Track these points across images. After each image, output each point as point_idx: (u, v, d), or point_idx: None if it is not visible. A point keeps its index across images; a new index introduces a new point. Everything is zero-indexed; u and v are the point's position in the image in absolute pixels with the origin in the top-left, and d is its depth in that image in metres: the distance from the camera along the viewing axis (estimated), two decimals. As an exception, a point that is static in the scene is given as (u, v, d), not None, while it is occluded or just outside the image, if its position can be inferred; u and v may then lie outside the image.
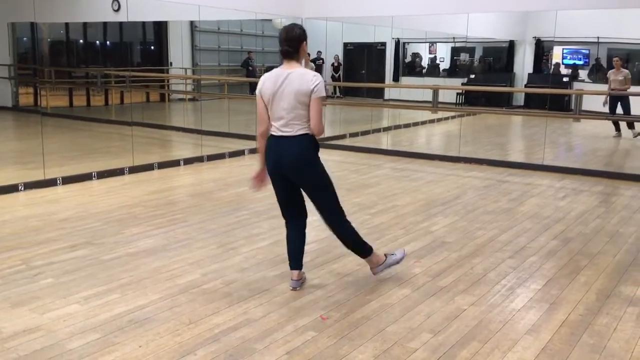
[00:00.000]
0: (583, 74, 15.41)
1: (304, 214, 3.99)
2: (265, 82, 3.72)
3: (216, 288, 3.90)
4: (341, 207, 3.96)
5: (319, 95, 3.64)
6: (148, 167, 7.95)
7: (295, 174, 3.78)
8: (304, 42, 3.74)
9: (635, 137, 11.14)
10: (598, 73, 14.68)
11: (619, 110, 11.03)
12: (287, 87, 3.64)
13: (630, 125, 11.30)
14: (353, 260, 4.48)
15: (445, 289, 3.97)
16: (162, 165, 8.16)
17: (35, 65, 14.05)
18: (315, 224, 5.46)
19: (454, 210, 6.11)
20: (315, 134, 3.71)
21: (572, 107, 9.28)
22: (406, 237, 5.14)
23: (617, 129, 11.54)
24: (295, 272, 3.92)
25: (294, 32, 3.71)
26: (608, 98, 11.05)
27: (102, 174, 7.39)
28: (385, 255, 4.11)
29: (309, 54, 14.57)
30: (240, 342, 3.17)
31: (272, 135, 3.79)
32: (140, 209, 5.94)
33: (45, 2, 9.49)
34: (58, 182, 6.91)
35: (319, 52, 14.84)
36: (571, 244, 5.03)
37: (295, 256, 3.94)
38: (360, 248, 4.02)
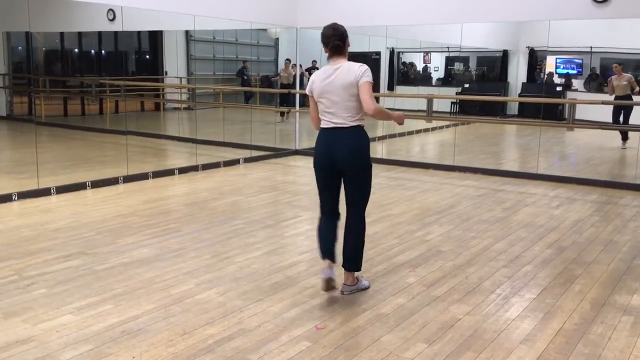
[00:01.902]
0: (576, 83, 15.51)
1: (339, 211, 4.05)
2: (315, 80, 3.88)
3: (210, 298, 3.89)
4: (365, 213, 4.06)
5: (366, 80, 3.74)
6: (142, 177, 7.94)
7: (348, 164, 3.84)
8: (348, 39, 3.90)
9: (623, 148, 11.15)
10: (592, 83, 14.78)
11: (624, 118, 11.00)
12: (337, 80, 3.78)
13: (625, 135, 11.31)
14: (348, 270, 4.48)
15: (440, 299, 3.96)
16: (157, 174, 8.15)
17: (30, 75, 14.04)
18: (309, 233, 5.46)
19: (449, 219, 6.11)
20: (370, 114, 3.79)
21: (566, 116, 9.32)
22: (401, 246, 5.14)
23: (624, 138, 11.38)
24: (327, 261, 3.92)
25: (340, 28, 3.88)
26: (614, 99, 10.98)
27: (97, 184, 7.36)
28: (357, 278, 4.09)
29: (289, 60, 14.64)
30: (235, 353, 3.15)
31: (323, 129, 3.90)
32: (134, 218, 5.92)
33: (40, 11, 9.50)
34: (52, 191, 6.89)
35: (314, 61, 14.89)
36: (565, 253, 5.04)
37: (329, 247, 3.96)
38: (359, 257, 4.02)
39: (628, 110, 10.85)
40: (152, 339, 3.29)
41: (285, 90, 12.83)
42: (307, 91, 3.95)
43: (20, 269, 4.37)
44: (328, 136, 3.87)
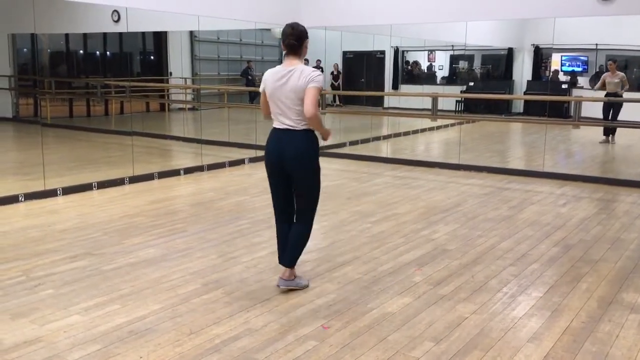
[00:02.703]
0: (582, 80, 15.45)
1: (293, 214, 4.06)
2: (268, 79, 3.85)
3: (217, 298, 3.89)
4: (314, 215, 4.07)
5: (314, 85, 3.71)
6: (148, 177, 7.96)
7: (295, 166, 3.85)
8: (307, 40, 3.88)
9: (602, 142, 11.32)
10: (597, 80, 14.71)
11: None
12: (288, 84, 3.76)
13: (612, 131, 11.46)
14: (354, 269, 4.48)
15: (447, 297, 3.96)
16: (162, 174, 8.17)
17: (35, 76, 14.09)
18: (315, 232, 5.46)
19: (455, 217, 6.10)
20: (307, 115, 3.72)
21: (572, 114, 9.29)
22: (407, 245, 5.13)
23: (606, 133, 11.64)
24: (284, 269, 4.02)
25: (300, 27, 3.86)
26: (604, 95, 11.20)
27: (103, 184, 7.39)
28: (295, 275, 4.09)
29: (307, 60, 14.65)
30: (242, 352, 3.16)
31: (274, 128, 3.90)
32: (140, 218, 5.93)
33: (45, 13, 9.53)
34: (58, 192, 6.91)
35: (318, 60, 14.88)
36: (572, 251, 5.02)
37: (286, 252, 4.02)
38: (298, 255, 4.06)
39: (617, 108, 11.00)
40: (159, 338, 3.30)
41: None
42: (260, 89, 3.94)
43: (27, 269, 4.39)
44: (279, 136, 3.87)
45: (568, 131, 13.14)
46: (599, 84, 11.56)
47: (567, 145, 12.28)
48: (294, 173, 3.88)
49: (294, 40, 3.81)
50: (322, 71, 15.82)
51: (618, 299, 3.96)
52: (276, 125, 3.89)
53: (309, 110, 3.70)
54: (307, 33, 3.89)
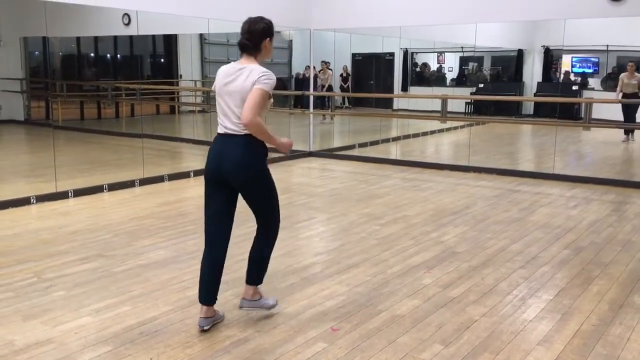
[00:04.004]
0: (593, 82, 15.35)
1: (227, 240, 3.50)
2: (218, 76, 3.38)
3: (226, 300, 3.91)
4: (277, 227, 3.60)
5: (260, 86, 3.20)
6: (158, 179, 8.00)
7: (238, 176, 3.33)
8: (268, 40, 3.37)
9: (624, 142, 11.29)
10: (609, 81, 14.62)
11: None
12: (235, 83, 3.28)
13: (630, 132, 11.43)
14: (363, 272, 4.48)
15: (456, 300, 3.95)
16: (173, 177, 8.21)
17: (47, 79, 14.20)
18: (323, 235, 5.47)
19: (464, 220, 6.09)
20: (243, 122, 3.21)
21: (582, 116, 9.24)
22: (416, 247, 5.13)
23: (626, 132, 11.61)
24: (205, 307, 3.42)
25: (258, 25, 3.36)
26: (620, 96, 11.15)
27: (113, 186, 7.43)
28: (260, 295, 3.63)
29: (327, 62, 14.64)
30: (251, 354, 3.17)
31: (217, 134, 3.41)
32: (150, 220, 5.97)
33: (56, 16, 9.61)
34: (70, 194, 6.97)
35: (328, 62, 14.89)
36: (583, 254, 4.99)
37: (207, 287, 3.44)
38: (262, 272, 3.62)
39: (633, 109, 10.94)
40: (170, 340, 3.32)
41: (299, 92, 12.85)
42: (212, 87, 3.44)
43: (39, 271, 4.43)
44: (219, 143, 3.37)
45: (578, 133, 13.06)
46: (619, 85, 11.53)
47: (578, 147, 12.21)
48: (236, 184, 3.36)
49: (246, 40, 3.33)
50: (331, 72, 15.91)
51: (629, 302, 3.93)
52: (219, 129, 3.38)
53: (246, 116, 3.18)
54: (269, 30, 3.38)
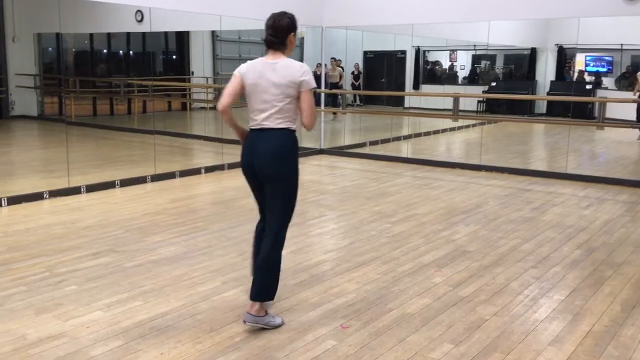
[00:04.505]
0: (606, 81, 15.22)
1: None
2: (251, 70, 3.36)
3: (237, 296, 3.92)
4: (285, 232, 3.50)
5: (309, 86, 3.30)
6: (170, 175, 8.03)
7: (265, 172, 3.37)
8: (292, 34, 3.38)
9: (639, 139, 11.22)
10: (624, 81, 14.49)
11: None
12: (271, 78, 3.29)
13: None
14: (373, 270, 4.48)
15: (467, 299, 3.93)
16: (184, 173, 8.24)
17: (60, 75, 14.30)
18: (334, 232, 5.47)
19: (475, 219, 6.06)
20: (307, 128, 3.35)
21: (596, 115, 9.16)
22: (427, 245, 5.11)
23: None
24: (258, 304, 3.40)
25: (282, 21, 3.35)
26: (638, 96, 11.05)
27: (125, 182, 7.48)
28: (266, 311, 3.45)
29: (337, 60, 14.62)
30: (261, 351, 3.18)
31: (251, 129, 3.43)
32: (162, 216, 5.99)
33: (70, 13, 9.67)
34: (82, 190, 7.01)
35: (339, 60, 14.87)
36: (595, 254, 4.96)
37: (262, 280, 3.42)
38: (270, 287, 3.43)
39: None
40: (180, 335, 3.33)
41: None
42: (236, 72, 3.41)
43: (51, 266, 4.46)
44: (254, 138, 3.39)
45: (592, 132, 12.96)
46: (636, 87, 11.40)
47: (591, 147, 12.12)
48: (265, 178, 3.41)
49: (272, 36, 3.34)
50: (342, 70, 15.90)
51: (642, 303, 3.90)
52: (252, 125, 3.41)
53: (309, 122, 3.33)
54: (294, 25, 3.37)
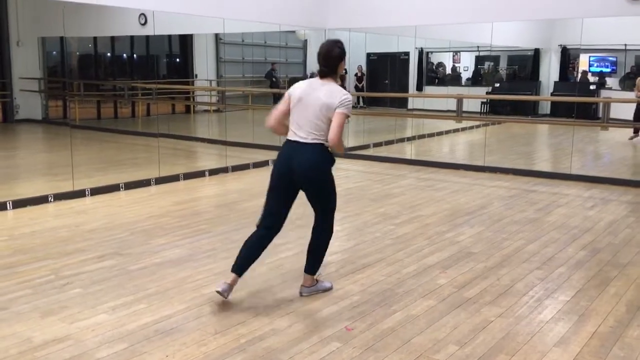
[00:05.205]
0: (610, 81, 15.19)
1: (278, 230, 3.96)
2: (299, 87, 3.82)
3: (241, 298, 3.92)
4: (333, 222, 4.01)
5: (344, 110, 3.68)
6: (174, 178, 8.05)
7: (308, 179, 3.79)
8: (342, 61, 3.81)
9: (631, 139, 11.19)
10: (628, 81, 14.46)
11: None
12: (316, 99, 3.71)
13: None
14: (378, 271, 4.48)
15: (472, 300, 3.93)
16: (188, 176, 8.25)
17: (64, 79, 14.35)
18: (339, 234, 5.47)
19: (480, 220, 6.05)
20: (331, 144, 3.71)
21: (600, 116, 9.14)
22: (431, 247, 5.11)
23: (635, 131, 11.51)
24: (234, 276, 3.81)
25: (333, 52, 3.76)
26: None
27: (129, 185, 7.49)
28: (317, 280, 4.07)
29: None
30: (266, 353, 3.18)
31: (287, 140, 3.84)
32: (166, 219, 6.01)
33: (74, 17, 9.71)
34: (87, 193, 7.03)
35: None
36: (600, 255, 4.94)
37: (244, 264, 3.87)
38: (317, 264, 4.02)
39: None
40: (185, 338, 3.34)
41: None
42: (287, 92, 3.87)
43: (56, 268, 4.48)
44: (290, 148, 3.80)
45: (596, 133, 12.93)
46: (636, 89, 11.38)
47: (595, 147, 12.09)
48: (304, 184, 3.81)
49: (324, 67, 3.78)
50: (346, 72, 15.89)
51: (647, 304, 3.89)
52: (290, 136, 3.82)
53: (333, 137, 3.66)
54: (343, 53, 3.79)
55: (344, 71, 4.00)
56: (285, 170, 3.81)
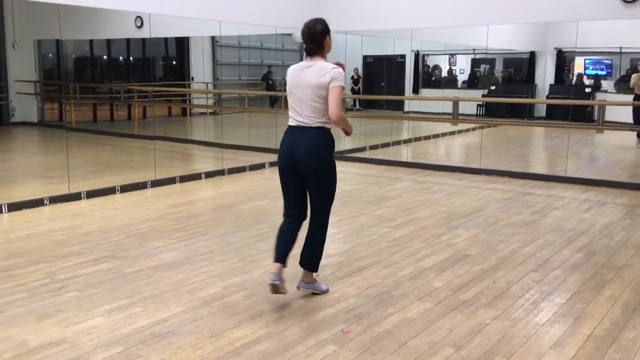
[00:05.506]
0: (605, 84, 15.25)
1: (305, 215, 3.97)
2: (290, 73, 3.81)
3: (238, 301, 3.92)
4: (328, 217, 4.01)
5: (337, 84, 3.64)
6: (170, 181, 8.03)
7: (306, 166, 3.77)
8: (327, 37, 3.77)
9: (638, 147, 11.16)
10: (623, 84, 14.52)
11: None
12: (306, 78, 3.69)
13: None
14: (374, 274, 4.48)
15: (468, 303, 3.93)
16: (184, 178, 8.24)
17: (60, 81, 14.33)
18: (335, 236, 5.47)
19: (476, 222, 6.06)
20: (332, 120, 3.69)
21: (595, 118, 9.17)
22: (427, 250, 5.11)
23: (639, 135, 11.50)
24: (278, 265, 3.83)
25: (316, 28, 3.74)
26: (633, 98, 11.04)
27: (125, 188, 7.48)
28: (315, 280, 4.07)
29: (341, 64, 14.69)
30: (262, 356, 3.17)
31: (288, 126, 3.83)
32: (162, 222, 6.00)
33: (70, 19, 9.69)
34: (82, 196, 7.02)
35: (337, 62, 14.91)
36: (596, 257, 4.96)
37: (284, 249, 3.88)
38: (316, 259, 4.00)
39: None
40: (181, 341, 3.33)
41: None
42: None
43: (52, 272, 4.47)
44: (291, 135, 3.80)
45: (591, 135, 12.96)
46: (631, 82, 11.40)
47: (591, 150, 12.13)
48: (306, 172, 3.79)
49: (311, 44, 3.75)
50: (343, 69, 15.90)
51: (643, 306, 3.90)
52: (290, 122, 3.82)
53: (334, 113, 3.65)
54: (327, 29, 3.76)
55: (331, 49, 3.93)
56: (288, 162, 3.81)
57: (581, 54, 15.00)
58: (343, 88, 3.69)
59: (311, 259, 3.99)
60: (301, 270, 4.03)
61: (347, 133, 3.97)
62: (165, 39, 14.56)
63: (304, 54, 3.83)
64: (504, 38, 12.54)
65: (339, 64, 3.75)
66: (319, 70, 3.67)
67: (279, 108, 14.79)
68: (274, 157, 9.63)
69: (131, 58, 15.08)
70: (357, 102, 15.80)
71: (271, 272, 3.80)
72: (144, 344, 3.29)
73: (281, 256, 3.86)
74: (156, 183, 7.83)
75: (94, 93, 14.58)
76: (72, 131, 12.09)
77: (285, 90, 3.95)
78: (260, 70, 16.43)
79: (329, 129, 3.79)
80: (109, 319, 3.62)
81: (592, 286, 4.28)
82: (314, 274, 4.05)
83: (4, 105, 13.83)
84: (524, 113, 14.94)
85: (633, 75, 11.48)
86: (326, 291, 4.07)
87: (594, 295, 4.09)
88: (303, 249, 4.00)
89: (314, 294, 4.03)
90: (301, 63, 3.79)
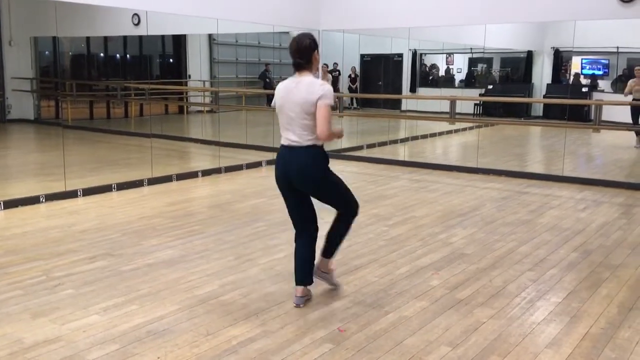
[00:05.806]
0: (602, 84, 15.27)
1: (314, 227, 3.93)
2: (278, 92, 3.76)
3: (234, 299, 3.92)
4: (352, 206, 3.99)
5: (325, 102, 3.59)
6: (167, 179, 8.02)
7: (304, 185, 3.77)
8: (315, 52, 3.74)
9: (637, 147, 11.16)
10: (620, 84, 14.54)
11: None
12: (295, 96, 3.65)
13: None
14: (371, 272, 4.48)
15: (464, 302, 3.93)
16: (181, 176, 8.23)
17: (56, 79, 14.29)
18: (332, 235, 5.46)
19: (472, 221, 6.07)
20: (320, 139, 3.66)
21: (592, 118, 9.18)
22: (424, 248, 5.12)
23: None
24: (300, 288, 3.86)
25: (304, 43, 3.69)
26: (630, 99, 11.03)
27: (122, 186, 7.47)
28: (331, 269, 4.10)
29: (326, 65, 14.69)
30: (258, 354, 3.17)
31: (282, 145, 3.81)
32: (158, 220, 5.99)
33: (66, 16, 9.66)
34: (78, 193, 7.00)
35: (335, 63, 14.88)
36: (592, 256, 4.96)
37: (302, 269, 3.87)
38: (335, 247, 4.03)
39: None
40: (177, 339, 3.33)
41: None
42: (272, 104, 3.84)
43: (48, 269, 4.45)
44: (284, 155, 3.78)
45: (588, 135, 12.98)
46: (626, 90, 11.39)
47: (588, 149, 12.14)
48: (304, 189, 3.81)
49: (299, 59, 3.68)
50: (339, 74, 15.89)
51: (638, 305, 3.90)
52: (282, 141, 3.78)
53: (322, 131, 3.60)
54: (315, 44, 3.72)
55: (326, 67, 3.94)
56: (285, 181, 3.80)
57: (578, 53, 15.01)
58: (331, 105, 3.63)
59: (335, 247, 4.02)
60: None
61: (338, 137, 3.97)
62: (163, 36, 14.53)
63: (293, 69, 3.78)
64: (501, 37, 12.54)
65: (328, 71, 3.74)
66: (307, 87, 3.62)
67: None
68: (270, 156, 9.66)
69: (128, 55, 15.03)
70: (354, 100, 15.79)
71: (295, 296, 3.84)
72: (140, 342, 3.28)
73: (302, 279, 3.87)
74: (153, 181, 7.82)
75: (91, 90, 14.53)
76: (68, 129, 12.06)
77: None
78: (257, 69, 16.41)
79: (321, 145, 3.75)
80: (105, 316, 3.62)
81: (588, 285, 4.29)
82: (330, 264, 4.05)
83: (0, 103, 13.78)
84: (521, 112, 14.96)
85: (629, 82, 11.46)
86: (338, 286, 4.10)
87: (590, 294, 4.10)
88: (325, 238, 4.00)
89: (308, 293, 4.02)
90: (289, 80, 3.74)
